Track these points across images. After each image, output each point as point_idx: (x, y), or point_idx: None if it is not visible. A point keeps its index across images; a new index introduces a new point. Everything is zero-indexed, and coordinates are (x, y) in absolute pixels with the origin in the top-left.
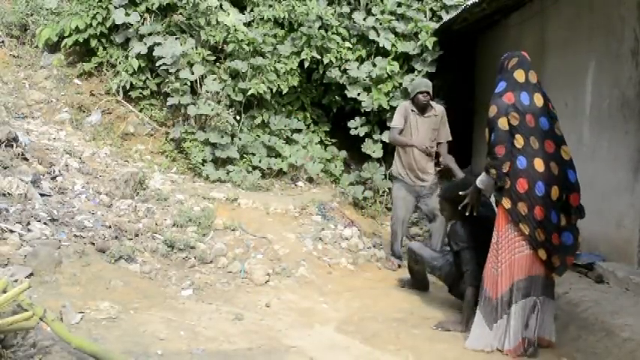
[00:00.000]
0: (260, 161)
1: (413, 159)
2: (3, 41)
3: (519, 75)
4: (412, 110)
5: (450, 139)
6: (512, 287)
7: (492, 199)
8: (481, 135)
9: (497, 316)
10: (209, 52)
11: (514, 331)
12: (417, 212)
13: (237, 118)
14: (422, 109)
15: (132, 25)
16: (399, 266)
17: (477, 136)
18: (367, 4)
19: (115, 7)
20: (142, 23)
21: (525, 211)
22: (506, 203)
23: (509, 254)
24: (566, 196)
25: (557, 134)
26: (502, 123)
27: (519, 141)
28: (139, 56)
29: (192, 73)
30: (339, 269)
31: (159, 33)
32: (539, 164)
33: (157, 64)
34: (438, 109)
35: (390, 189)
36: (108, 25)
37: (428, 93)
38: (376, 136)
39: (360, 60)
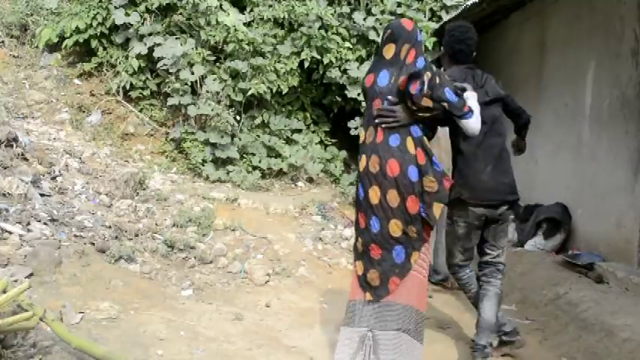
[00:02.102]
0: (260, 161)
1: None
2: (3, 41)
3: (388, 50)
4: None
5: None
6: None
7: None
8: None
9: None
10: (209, 52)
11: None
12: None
13: (237, 118)
14: None
15: (132, 25)
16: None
17: None
18: (367, 4)
19: (115, 8)
20: (142, 23)
21: (355, 218)
22: None
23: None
24: (402, 200)
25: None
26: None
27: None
28: (139, 56)
29: (193, 74)
30: (339, 269)
31: (159, 33)
32: (362, 161)
33: (157, 65)
34: None
35: None
36: (108, 26)
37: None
38: None
39: (360, 60)
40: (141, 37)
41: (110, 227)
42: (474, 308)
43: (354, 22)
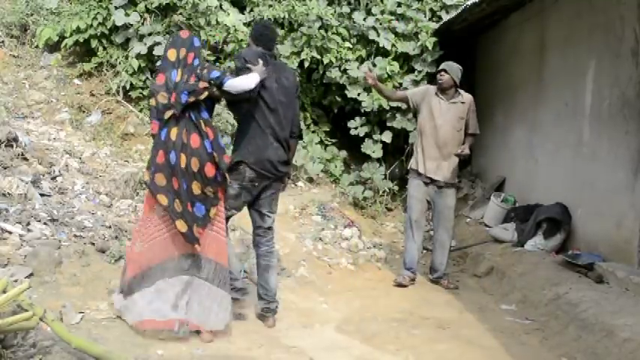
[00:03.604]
0: None
1: (432, 144)
2: (3, 41)
3: (171, 54)
4: (436, 94)
5: (478, 132)
6: (154, 267)
7: None
8: (482, 135)
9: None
10: (209, 52)
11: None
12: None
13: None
14: (443, 91)
15: (132, 25)
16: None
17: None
18: (367, 4)
19: (115, 8)
20: (142, 23)
21: (164, 182)
22: (146, 175)
23: (150, 237)
24: (201, 166)
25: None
26: (152, 102)
27: (168, 115)
28: (138, 56)
29: None
30: (339, 269)
31: (159, 33)
32: (174, 133)
33: (157, 64)
34: (466, 96)
35: (389, 189)
36: (108, 26)
37: (445, 72)
38: (376, 136)
39: (360, 60)
40: (141, 37)
41: (110, 227)
42: (474, 308)
43: (354, 22)
